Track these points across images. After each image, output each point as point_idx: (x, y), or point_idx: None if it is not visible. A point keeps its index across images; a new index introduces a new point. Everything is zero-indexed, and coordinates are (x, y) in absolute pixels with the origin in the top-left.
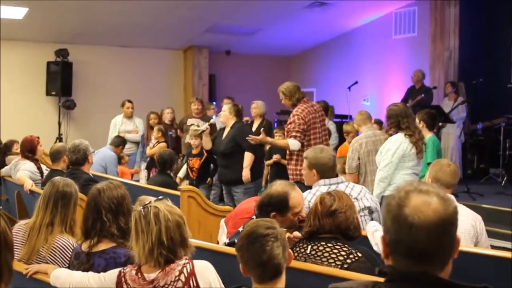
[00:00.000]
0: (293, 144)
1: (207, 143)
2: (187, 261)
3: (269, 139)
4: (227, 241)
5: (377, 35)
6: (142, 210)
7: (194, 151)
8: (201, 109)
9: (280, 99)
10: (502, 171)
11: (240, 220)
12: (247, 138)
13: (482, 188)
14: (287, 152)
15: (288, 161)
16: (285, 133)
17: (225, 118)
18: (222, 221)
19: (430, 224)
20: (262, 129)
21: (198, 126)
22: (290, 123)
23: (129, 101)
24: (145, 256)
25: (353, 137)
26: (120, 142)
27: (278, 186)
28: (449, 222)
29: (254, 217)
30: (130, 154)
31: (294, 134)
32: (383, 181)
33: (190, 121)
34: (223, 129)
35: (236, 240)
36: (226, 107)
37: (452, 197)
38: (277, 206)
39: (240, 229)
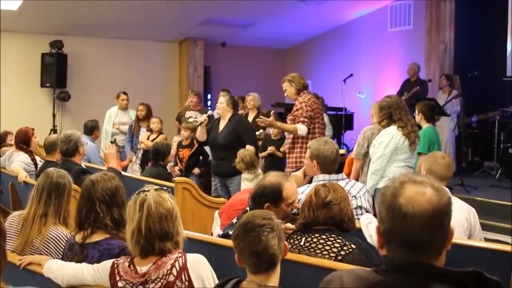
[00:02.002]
0: (302, 129)
1: (202, 135)
2: (179, 254)
3: (278, 123)
4: (221, 232)
5: (373, 28)
6: (135, 196)
7: (184, 142)
8: (197, 101)
9: (280, 91)
10: (496, 164)
11: (234, 211)
12: (257, 120)
13: (476, 181)
14: (289, 141)
15: (290, 150)
16: (289, 121)
17: (223, 110)
18: (216, 213)
19: (424, 214)
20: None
21: (196, 118)
22: (298, 109)
23: (124, 93)
24: (129, 242)
25: None
26: (90, 127)
27: (272, 177)
28: (443, 212)
29: (248, 208)
30: (124, 145)
31: (302, 119)
32: (375, 174)
33: (188, 114)
34: (217, 120)
35: (230, 232)
36: (224, 99)
37: (446, 189)
38: (270, 197)
39: (234, 220)
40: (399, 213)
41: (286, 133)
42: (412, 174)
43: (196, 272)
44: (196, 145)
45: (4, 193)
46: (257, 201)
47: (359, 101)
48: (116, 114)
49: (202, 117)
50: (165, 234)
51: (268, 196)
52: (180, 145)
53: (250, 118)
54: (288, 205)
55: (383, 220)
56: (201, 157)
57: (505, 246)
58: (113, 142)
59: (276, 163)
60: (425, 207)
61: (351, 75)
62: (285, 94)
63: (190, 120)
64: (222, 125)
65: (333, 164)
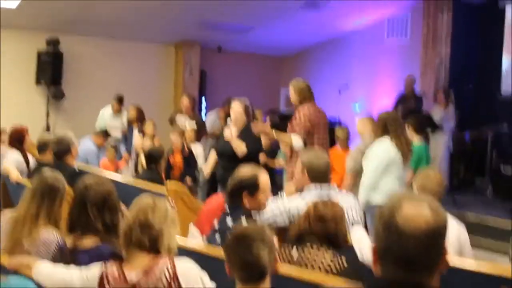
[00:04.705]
0: (296, 139)
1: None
2: (168, 261)
3: (272, 131)
4: (205, 241)
5: (370, 39)
6: None
7: (174, 147)
8: (188, 105)
9: (275, 98)
10: (488, 181)
11: (213, 215)
12: (251, 126)
13: (468, 198)
14: (288, 151)
15: (288, 161)
16: (289, 130)
17: (240, 117)
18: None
19: (420, 233)
20: (268, 117)
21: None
22: (295, 119)
23: (118, 102)
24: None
25: (344, 143)
26: (100, 132)
27: (245, 169)
28: (438, 233)
29: (227, 208)
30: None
31: (297, 130)
32: (368, 187)
33: (178, 118)
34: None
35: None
36: (241, 105)
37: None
38: (248, 187)
39: (216, 226)
40: (396, 232)
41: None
42: (410, 193)
43: (186, 280)
44: (188, 150)
45: None
46: (235, 194)
47: (354, 112)
48: (109, 117)
49: (227, 133)
50: (152, 227)
51: (245, 187)
52: (170, 151)
53: None
54: (263, 196)
55: (379, 237)
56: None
57: (495, 265)
58: (114, 147)
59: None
60: (421, 227)
61: (347, 85)
62: (291, 97)
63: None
64: (233, 133)
65: (323, 176)
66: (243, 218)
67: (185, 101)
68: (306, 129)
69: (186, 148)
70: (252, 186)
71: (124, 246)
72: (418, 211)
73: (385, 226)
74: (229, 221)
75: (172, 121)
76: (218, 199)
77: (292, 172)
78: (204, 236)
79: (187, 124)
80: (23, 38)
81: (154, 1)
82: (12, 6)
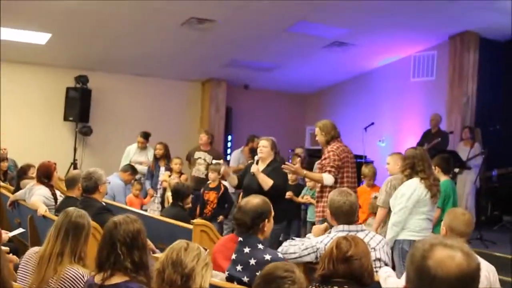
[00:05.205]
0: (327, 178)
1: (233, 180)
2: None
3: (303, 170)
4: (226, 274)
5: (395, 77)
6: None
7: (211, 185)
8: (206, 141)
9: (300, 135)
10: None
11: (225, 250)
12: (282, 166)
13: (495, 236)
14: (318, 189)
15: (319, 199)
16: (317, 169)
17: (267, 154)
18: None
19: (452, 278)
20: (298, 159)
21: (205, 160)
22: (325, 158)
23: (144, 137)
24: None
25: (370, 180)
26: (127, 168)
27: (254, 199)
28: (471, 278)
29: (240, 239)
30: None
31: (328, 169)
32: (396, 226)
33: (197, 154)
34: (252, 163)
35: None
36: (268, 143)
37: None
38: (266, 215)
39: (233, 256)
40: (428, 276)
41: (308, 180)
42: (442, 237)
43: None
44: (223, 188)
45: (23, 225)
46: (255, 223)
47: (379, 149)
48: (134, 152)
49: (254, 168)
50: (184, 266)
51: (265, 214)
52: (206, 188)
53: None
54: (272, 220)
55: (410, 280)
56: (226, 204)
57: None
58: (138, 180)
59: (292, 208)
60: (454, 272)
61: (373, 123)
62: (316, 139)
63: (200, 161)
64: (260, 169)
65: (345, 216)
66: (261, 246)
67: (204, 138)
68: (336, 167)
69: (222, 187)
70: (268, 213)
71: (157, 285)
72: (450, 255)
73: (417, 269)
74: (246, 250)
75: (189, 158)
76: (221, 240)
77: (322, 211)
78: (225, 273)
79: (208, 160)
80: (52, 75)
81: (182, 40)
82: (41, 42)
